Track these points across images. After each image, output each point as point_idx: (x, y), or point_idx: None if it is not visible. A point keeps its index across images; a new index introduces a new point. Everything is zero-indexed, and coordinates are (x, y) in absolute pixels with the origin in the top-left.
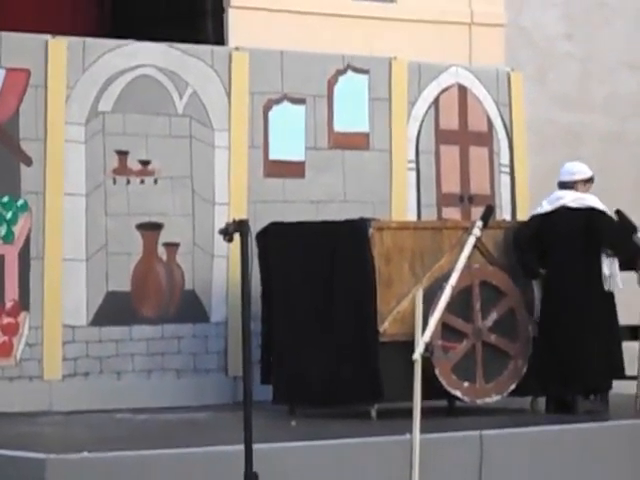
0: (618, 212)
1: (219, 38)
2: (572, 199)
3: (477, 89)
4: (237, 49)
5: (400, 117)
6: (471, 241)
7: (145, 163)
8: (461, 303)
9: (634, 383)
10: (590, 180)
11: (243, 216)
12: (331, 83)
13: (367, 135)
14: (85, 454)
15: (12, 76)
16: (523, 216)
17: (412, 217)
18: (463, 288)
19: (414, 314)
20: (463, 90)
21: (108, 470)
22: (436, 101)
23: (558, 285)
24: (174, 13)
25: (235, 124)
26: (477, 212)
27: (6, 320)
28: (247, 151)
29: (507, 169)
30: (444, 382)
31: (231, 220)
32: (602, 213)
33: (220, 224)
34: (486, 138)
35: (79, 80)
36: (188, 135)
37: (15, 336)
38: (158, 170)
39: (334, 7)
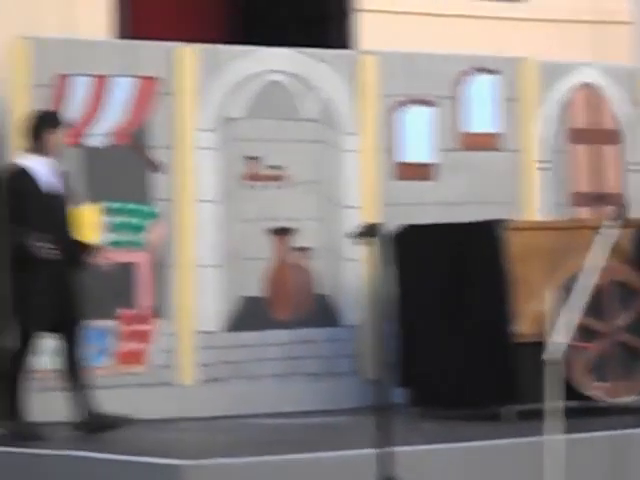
0: None
1: (345, 42)
2: None
3: (607, 87)
4: (365, 52)
5: (530, 117)
6: (603, 240)
7: (276, 168)
8: (594, 303)
9: None
10: None
11: (373, 219)
12: (460, 84)
13: (497, 136)
14: (221, 460)
15: (142, 84)
16: None
17: (542, 217)
18: (596, 287)
19: (547, 315)
20: (593, 89)
21: (244, 476)
22: (566, 100)
23: None
24: (300, 18)
25: (364, 127)
26: (608, 211)
27: (140, 327)
28: (376, 154)
29: (638, 167)
30: (578, 382)
31: (363, 223)
32: None
33: (350, 228)
34: (616, 136)
35: (209, 87)
36: (318, 139)
37: (149, 343)
38: (288, 175)
39: (462, 8)
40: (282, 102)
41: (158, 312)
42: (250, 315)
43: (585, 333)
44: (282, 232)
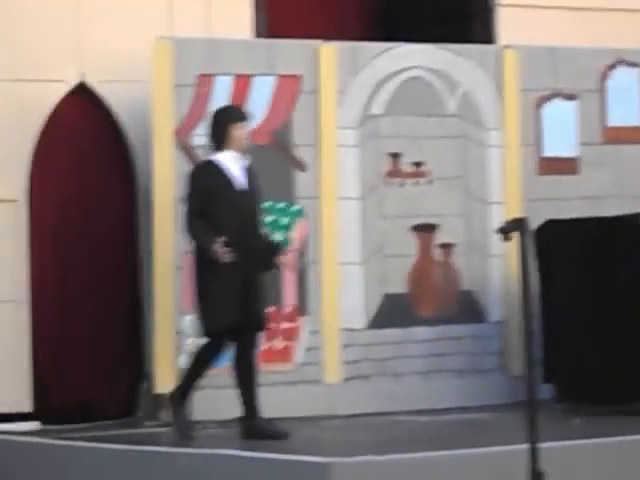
0: None
1: (486, 37)
2: None
3: None
4: (507, 47)
5: None
6: None
7: (418, 165)
8: None
9: None
10: None
11: (518, 215)
12: (603, 78)
13: None
14: (368, 457)
15: (284, 83)
16: None
17: None
18: None
19: None
20: None
21: (391, 473)
22: None
23: None
24: (441, 13)
25: (507, 122)
26: None
27: (286, 325)
28: (520, 149)
29: None
30: None
31: (507, 219)
32: None
33: (494, 223)
34: None
35: (350, 84)
36: (460, 135)
37: (294, 341)
38: (431, 171)
39: (607, 2)
40: (424, 98)
41: (303, 310)
42: (394, 312)
43: None
44: (426, 228)
